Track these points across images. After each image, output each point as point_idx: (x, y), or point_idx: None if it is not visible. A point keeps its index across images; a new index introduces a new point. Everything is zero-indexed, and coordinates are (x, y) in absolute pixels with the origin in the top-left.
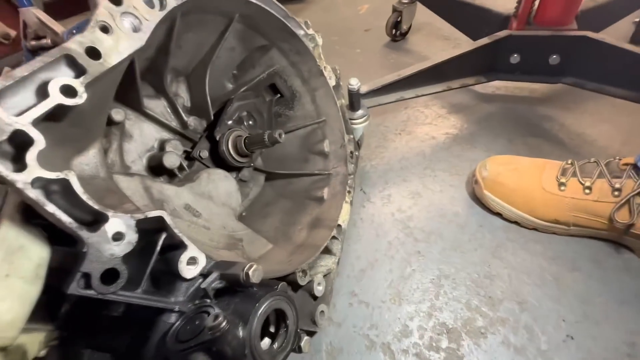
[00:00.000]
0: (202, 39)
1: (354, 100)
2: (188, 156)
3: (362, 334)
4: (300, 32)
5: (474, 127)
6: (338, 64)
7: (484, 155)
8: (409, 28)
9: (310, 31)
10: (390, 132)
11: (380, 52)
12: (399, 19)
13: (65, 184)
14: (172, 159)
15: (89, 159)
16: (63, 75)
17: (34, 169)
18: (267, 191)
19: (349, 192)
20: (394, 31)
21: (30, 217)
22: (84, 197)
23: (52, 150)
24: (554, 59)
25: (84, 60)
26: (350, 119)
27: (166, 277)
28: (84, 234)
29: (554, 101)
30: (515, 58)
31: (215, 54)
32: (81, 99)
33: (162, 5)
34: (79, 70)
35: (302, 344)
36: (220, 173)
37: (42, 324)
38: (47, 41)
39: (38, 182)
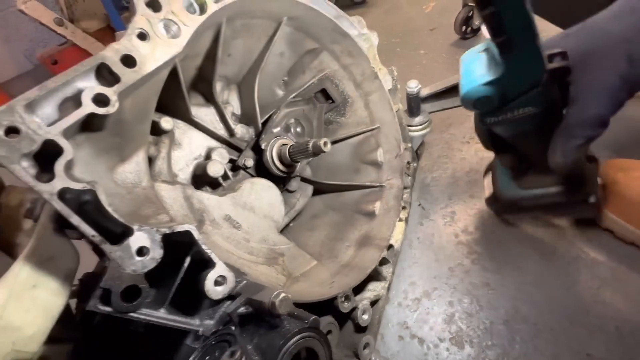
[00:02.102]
0: (251, 45)
1: (413, 104)
2: (234, 165)
3: None
4: (353, 32)
5: None
6: (399, 67)
7: None
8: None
9: (365, 30)
10: (457, 140)
11: (447, 52)
12: (470, 14)
13: (93, 195)
14: (215, 168)
15: (132, 167)
16: (97, 84)
17: (61, 180)
18: (316, 202)
19: (404, 207)
20: (463, 28)
21: (64, 227)
22: (109, 209)
23: (95, 159)
24: None
25: (118, 68)
26: (409, 126)
27: (194, 295)
28: (106, 247)
29: None
30: None
31: (264, 60)
32: (113, 107)
33: (203, 10)
34: (114, 79)
35: None
36: (263, 183)
37: (69, 335)
38: None
39: (68, 193)
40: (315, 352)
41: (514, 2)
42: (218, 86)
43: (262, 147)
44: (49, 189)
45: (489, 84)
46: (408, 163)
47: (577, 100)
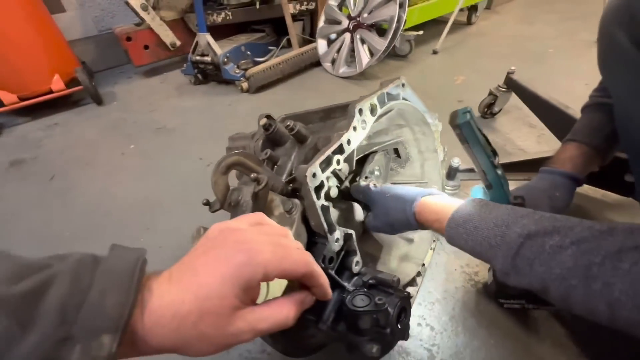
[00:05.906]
0: None
1: (452, 173)
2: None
3: (426, 347)
4: (430, 121)
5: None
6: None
7: None
8: (500, 110)
9: (437, 121)
10: None
11: None
12: (493, 102)
13: (327, 210)
14: (334, 190)
15: None
16: (336, 154)
17: (321, 200)
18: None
19: (434, 240)
20: (486, 110)
21: (305, 219)
22: (334, 216)
23: None
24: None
25: (345, 147)
26: (445, 186)
27: (343, 268)
28: (329, 235)
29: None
30: (629, 177)
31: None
32: (338, 167)
33: (374, 113)
34: (341, 152)
35: (407, 334)
36: (357, 206)
37: None
38: (208, 58)
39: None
40: (406, 310)
41: (494, 175)
42: None
43: (358, 180)
44: (319, 204)
45: None
46: None
47: None
